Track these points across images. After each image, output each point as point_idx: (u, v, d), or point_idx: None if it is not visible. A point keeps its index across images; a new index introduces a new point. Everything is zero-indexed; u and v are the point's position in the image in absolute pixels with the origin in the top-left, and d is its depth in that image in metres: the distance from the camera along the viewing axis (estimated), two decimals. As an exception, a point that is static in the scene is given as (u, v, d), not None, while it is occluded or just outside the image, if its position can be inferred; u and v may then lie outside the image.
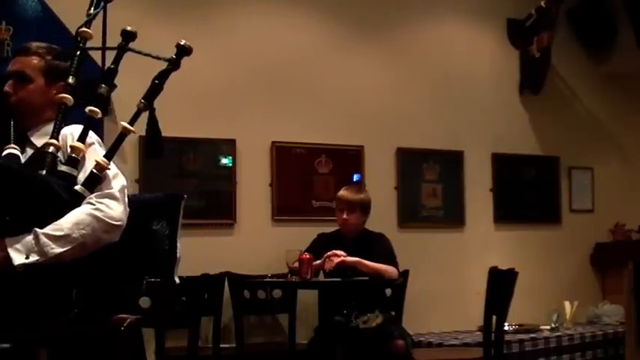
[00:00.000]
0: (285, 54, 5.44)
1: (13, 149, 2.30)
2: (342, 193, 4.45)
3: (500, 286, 4.19)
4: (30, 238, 2.06)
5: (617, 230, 6.51)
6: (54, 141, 2.26)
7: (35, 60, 2.41)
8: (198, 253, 4.89)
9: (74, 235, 2.10)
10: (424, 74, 5.94)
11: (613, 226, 6.52)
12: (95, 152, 2.30)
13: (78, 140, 2.27)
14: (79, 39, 2.44)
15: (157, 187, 4.96)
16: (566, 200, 6.49)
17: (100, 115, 2.32)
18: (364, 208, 4.42)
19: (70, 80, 2.37)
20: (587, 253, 6.52)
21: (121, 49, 2.43)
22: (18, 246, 2.05)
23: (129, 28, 2.45)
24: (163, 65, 2.46)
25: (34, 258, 2.05)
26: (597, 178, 6.62)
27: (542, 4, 6.07)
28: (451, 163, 5.97)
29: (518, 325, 5.50)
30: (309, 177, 5.44)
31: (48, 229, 2.08)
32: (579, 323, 5.97)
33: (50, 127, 2.32)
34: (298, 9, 5.56)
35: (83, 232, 2.12)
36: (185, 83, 5.06)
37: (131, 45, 2.47)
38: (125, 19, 4.87)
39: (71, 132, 2.32)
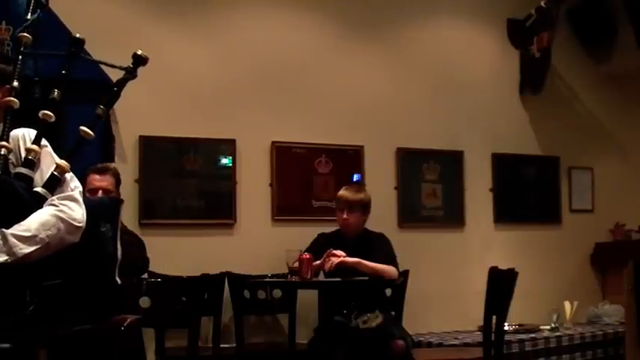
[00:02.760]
0: (285, 54, 5.44)
1: None
2: (342, 192, 4.45)
3: (500, 286, 4.19)
4: None
5: (617, 230, 6.51)
6: (4, 143, 2.26)
7: None
8: (198, 253, 4.91)
9: (41, 235, 2.13)
10: (424, 74, 5.94)
11: (613, 226, 6.53)
12: (49, 155, 2.33)
13: (33, 143, 2.29)
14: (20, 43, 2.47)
15: (157, 187, 4.97)
16: (566, 200, 6.49)
17: (53, 119, 2.33)
18: (364, 207, 4.42)
19: (15, 84, 2.38)
20: (587, 253, 6.52)
21: (70, 56, 2.46)
22: None
23: (77, 35, 2.49)
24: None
25: (2, 258, 2.07)
26: (597, 178, 6.62)
27: (542, 4, 6.06)
28: (451, 163, 5.97)
29: (518, 325, 5.50)
30: (309, 177, 5.44)
31: (15, 230, 2.11)
32: (579, 323, 5.97)
33: None
34: (298, 9, 5.56)
35: (49, 232, 2.14)
36: (185, 83, 5.08)
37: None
38: (126, 19, 4.92)
39: (23, 134, 2.33)
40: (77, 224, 2.22)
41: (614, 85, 6.71)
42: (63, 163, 2.27)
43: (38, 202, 2.20)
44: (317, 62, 5.56)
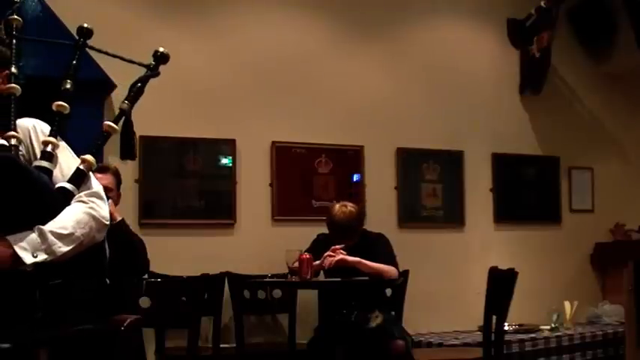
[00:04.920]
0: (286, 54, 5.44)
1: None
2: (339, 224, 4.31)
3: (500, 286, 4.19)
4: (34, 236, 1.98)
5: (617, 230, 6.51)
6: (14, 133, 2.15)
7: None
8: (198, 253, 4.92)
9: (77, 233, 2.05)
10: (424, 74, 5.94)
11: (613, 226, 6.53)
12: (66, 149, 2.24)
13: (49, 135, 2.19)
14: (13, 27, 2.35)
15: (157, 187, 4.97)
16: (566, 200, 6.49)
17: (68, 111, 2.24)
18: (360, 226, 4.41)
19: (13, 69, 2.27)
20: (587, 253, 6.53)
21: (77, 46, 2.38)
22: (23, 244, 1.96)
23: (85, 26, 2.41)
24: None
25: (42, 257, 1.97)
26: (597, 178, 6.62)
27: (542, 4, 6.07)
28: (451, 163, 5.97)
29: (518, 325, 5.51)
30: (309, 177, 5.44)
31: (52, 227, 2.02)
32: (579, 323, 5.97)
33: None
34: (299, 9, 5.56)
35: (83, 230, 2.07)
36: (185, 83, 5.08)
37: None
38: (126, 18, 4.92)
39: (34, 125, 2.23)
40: (106, 222, 2.15)
41: (614, 85, 6.71)
42: (89, 158, 2.18)
43: (66, 197, 2.12)
44: (317, 62, 5.56)
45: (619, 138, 6.79)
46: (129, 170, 4.74)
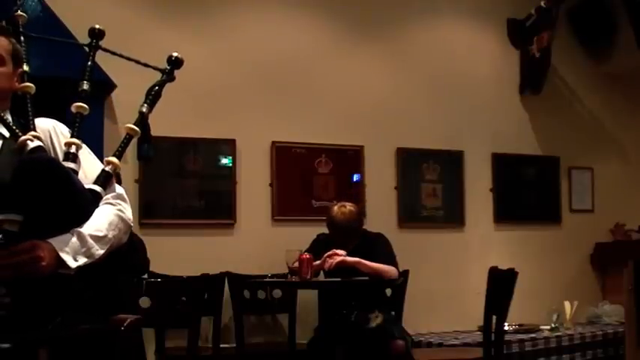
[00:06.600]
0: (286, 54, 5.44)
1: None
2: (339, 225, 4.33)
3: (500, 286, 4.19)
4: (74, 239, 1.96)
5: (617, 230, 6.51)
6: (35, 133, 2.10)
7: (6, 42, 2.20)
8: (198, 253, 4.92)
9: (109, 235, 2.04)
10: (424, 74, 5.94)
11: (613, 226, 6.53)
12: (87, 151, 2.22)
13: (71, 137, 2.17)
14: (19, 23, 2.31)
15: (157, 187, 4.97)
16: (566, 200, 6.49)
17: (87, 112, 2.21)
18: (360, 226, 4.42)
19: (25, 68, 2.24)
20: (587, 253, 6.53)
21: (90, 47, 2.36)
22: (66, 248, 1.94)
23: (97, 27, 2.39)
24: (164, 64, 2.45)
25: (82, 260, 1.96)
26: (597, 178, 6.62)
27: (542, 4, 6.07)
28: (451, 163, 5.97)
29: (518, 325, 5.50)
30: (309, 177, 5.44)
31: (89, 230, 2.00)
32: (579, 323, 5.97)
33: (8, 117, 2.15)
34: (299, 9, 5.56)
35: (114, 233, 2.07)
36: (185, 83, 5.05)
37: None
38: (126, 18, 4.92)
39: (54, 126, 2.20)
40: (131, 224, 2.15)
41: (614, 85, 6.72)
42: (115, 160, 2.17)
43: (95, 199, 2.10)
44: (317, 62, 5.56)
45: (619, 138, 6.79)
46: (129, 170, 4.74)
